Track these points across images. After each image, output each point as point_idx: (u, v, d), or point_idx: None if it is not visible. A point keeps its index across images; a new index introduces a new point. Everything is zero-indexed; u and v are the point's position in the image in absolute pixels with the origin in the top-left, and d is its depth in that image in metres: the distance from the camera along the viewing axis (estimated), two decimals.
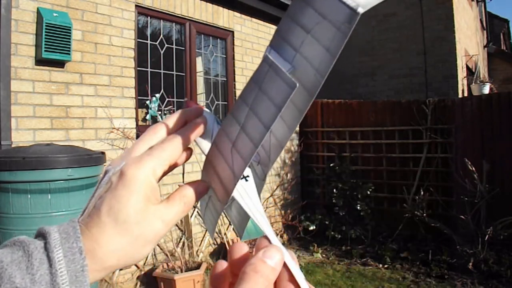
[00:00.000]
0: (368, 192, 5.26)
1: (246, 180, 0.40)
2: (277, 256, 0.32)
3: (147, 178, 0.36)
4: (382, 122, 5.54)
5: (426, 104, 5.20)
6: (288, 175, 5.71)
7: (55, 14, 3.02)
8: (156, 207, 0.36)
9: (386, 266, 4.35)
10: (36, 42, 2.97)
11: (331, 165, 5.58)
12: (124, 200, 0.34)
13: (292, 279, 0.33)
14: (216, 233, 4.50)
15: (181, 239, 4.04)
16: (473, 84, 7.93)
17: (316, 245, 4.92)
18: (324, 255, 4.77)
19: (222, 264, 0.36)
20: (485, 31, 13.62)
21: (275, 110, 0.31)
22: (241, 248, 0.35)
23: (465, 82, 8.31)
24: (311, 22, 0.30)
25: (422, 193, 4.74)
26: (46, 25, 2.92)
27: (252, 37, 5.25)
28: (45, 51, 2.94)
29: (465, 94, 8.06)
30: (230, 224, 4.42)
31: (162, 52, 4.13)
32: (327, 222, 5.27)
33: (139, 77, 3.82)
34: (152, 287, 3.61)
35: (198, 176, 3.99)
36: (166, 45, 4.18)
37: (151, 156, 0.37)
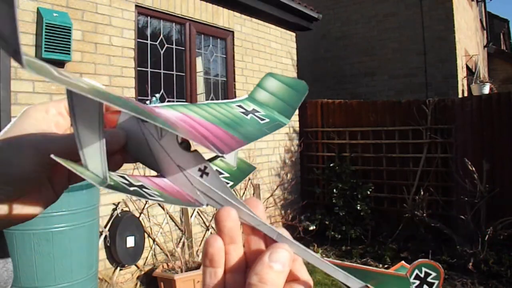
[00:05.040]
0: (368, 192, 5.26)
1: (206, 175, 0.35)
2: (285, 256, 0.30)
3: (38, 112, 0.41)
4: (382, 122, 5.53)
5: (426, 104, 5.19)
6: (288, 175, 5.71)
7: (55, 14, 3.02)
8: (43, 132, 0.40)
9: (386, 266, 4.35)
10: (36, 42, 2.97)
11: (331, 165, 5.58)
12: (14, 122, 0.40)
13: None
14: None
15: (181, 239, 4.04)
16: (473, 84, 7.92)
17: (316, 245, 4.92)
18: (324, 255, 4.77)
19: (217, 240, 0.32)
20: (485, 31, 13.62)
21: None
22: (230, 214, 0.31)
23: (465, 82, 8.30)
24: None
25: (422, 193, 4.74)
26: (46, 25, 2.92)
27: (252, 37, 5.25)
28: (45, 51, 2.94)
29: (465, 94, 8.05)
30: None
31: (162, 52, 4.13)
32: (327, 222, 5.27)
33: (139, 77, 3.82)
34: (152, 287, 3.61)
35: None
36: (166, 45, 4.18)
37: (51, 101, 0.43)
